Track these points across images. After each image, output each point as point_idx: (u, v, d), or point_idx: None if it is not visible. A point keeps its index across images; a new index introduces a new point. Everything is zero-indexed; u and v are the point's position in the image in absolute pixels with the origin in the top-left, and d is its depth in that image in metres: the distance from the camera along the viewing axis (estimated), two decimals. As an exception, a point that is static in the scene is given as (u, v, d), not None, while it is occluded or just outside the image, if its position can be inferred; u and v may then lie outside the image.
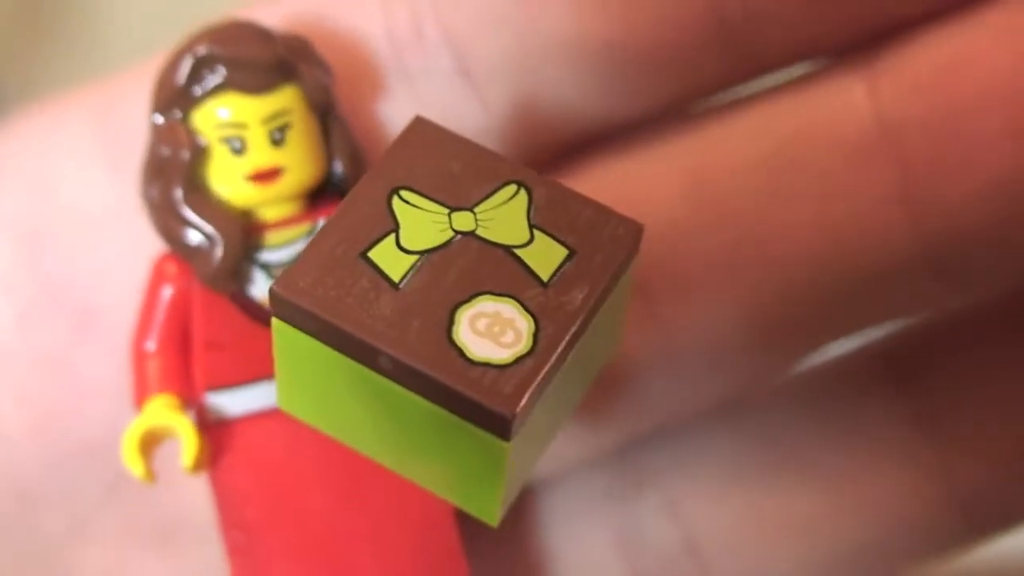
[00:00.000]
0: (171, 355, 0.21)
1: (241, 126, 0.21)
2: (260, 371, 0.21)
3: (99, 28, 1.58)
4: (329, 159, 0.21)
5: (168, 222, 0.21)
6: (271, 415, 0.21)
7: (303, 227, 0.21)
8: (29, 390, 0.24)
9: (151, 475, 0.21)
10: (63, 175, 0.24)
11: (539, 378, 0.17)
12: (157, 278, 0.21)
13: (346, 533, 0.22)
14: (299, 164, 0.21)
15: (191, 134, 0.21)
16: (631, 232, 0.18)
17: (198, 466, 0.21)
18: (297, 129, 0.21)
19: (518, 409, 0.17)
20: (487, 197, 0.18)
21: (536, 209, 0.18)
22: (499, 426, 0.17)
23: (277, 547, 0.22)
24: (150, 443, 0.21)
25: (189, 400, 0.21)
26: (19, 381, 0.24)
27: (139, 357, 0.21)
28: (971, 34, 0.22)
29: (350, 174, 0.21)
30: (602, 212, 0.18)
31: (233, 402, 0.21)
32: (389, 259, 0.18)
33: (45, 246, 0.24)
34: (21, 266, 0.24)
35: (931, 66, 0.22)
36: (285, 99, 0.21)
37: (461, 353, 0.17)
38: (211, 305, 0.21)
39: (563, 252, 0.18)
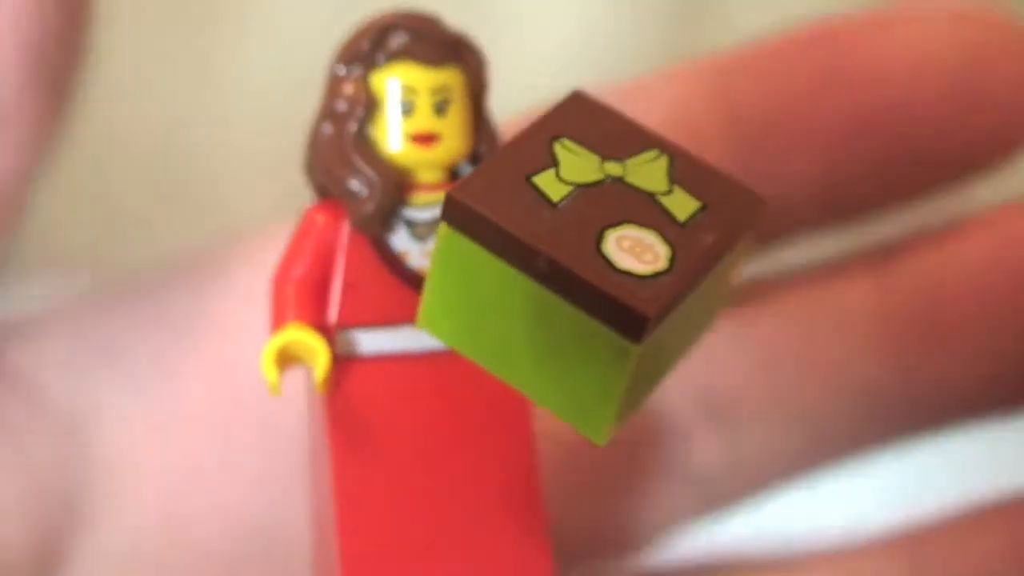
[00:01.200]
0: (310, 290, 0.24)
1: (412, 91, 0.24)
2: (391, 317, 0.23)
3: (99, 47, 1.57)
4: (476, 141, 0.24)
5: (334, 163, 0.24)
6: (394, 361, 0.24)
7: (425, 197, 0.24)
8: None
9: (279, 389, 0.23)
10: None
11: (675, 291, 0.19)
12: (308, 223, 0.24)
13: (433, 489, 0.24)
14: (454, 135, 0.24)
15: (369, 90, 0.24)
16: (755, 200, 0.22)
17: (323, 387, 0.23)
18: (457, 105, 0.24)
19: (654, 312, 0.19)
20: (634, 155, 0.22)
21: (675, 170, 0.22)
22: (634, 326, 0.19)
23: (374, 477, 0.24)
24: (285, 360, 0.23)
25: (322, 332, 0.24)
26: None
27: (280, 287, 0.24)
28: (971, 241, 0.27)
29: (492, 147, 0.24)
30: (732, 181, 0.22)
31: (362, 341, 0.24)
32: (549, 185, 0.21)
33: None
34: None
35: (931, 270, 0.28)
36: (451, 77, 0.24)
37: (607, 262, 0.20)
38: (355, 249, 0.23)
39: (697, 204, 0.21)
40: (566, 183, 0.21)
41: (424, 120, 0.24)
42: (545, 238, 0.20)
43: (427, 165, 0.24)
